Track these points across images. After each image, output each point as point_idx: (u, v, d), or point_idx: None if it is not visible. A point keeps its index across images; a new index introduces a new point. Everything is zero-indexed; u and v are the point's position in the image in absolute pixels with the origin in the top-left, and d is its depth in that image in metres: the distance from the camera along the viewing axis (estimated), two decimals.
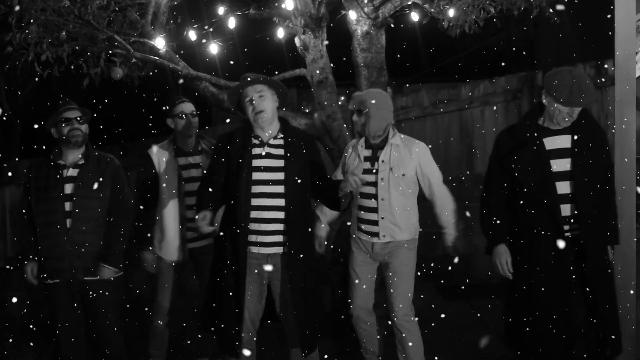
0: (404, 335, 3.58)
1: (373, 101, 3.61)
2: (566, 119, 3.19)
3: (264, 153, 3.27)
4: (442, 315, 4.44)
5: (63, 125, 3.63)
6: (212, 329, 3.33)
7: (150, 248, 3.91)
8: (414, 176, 3.63)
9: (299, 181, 3.23)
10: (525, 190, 3.23)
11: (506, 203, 3.34)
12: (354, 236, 3.71)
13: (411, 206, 3.66)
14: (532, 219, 3.23)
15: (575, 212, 3.17)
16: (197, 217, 3.13)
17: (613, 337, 3.22)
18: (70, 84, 8.26)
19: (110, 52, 4.86)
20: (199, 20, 5.45)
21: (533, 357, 3.30)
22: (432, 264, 5.65)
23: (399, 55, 10.23)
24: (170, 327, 4.00)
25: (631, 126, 3.55)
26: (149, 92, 8.04)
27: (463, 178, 6.86)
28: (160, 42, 4.82)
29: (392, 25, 4.88)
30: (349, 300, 3.74)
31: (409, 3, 4.86)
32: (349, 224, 3.82)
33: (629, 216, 3.54)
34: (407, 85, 9.52)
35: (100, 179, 3.65)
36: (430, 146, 3.79)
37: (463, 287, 5.73)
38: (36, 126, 4.15)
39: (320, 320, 3.32)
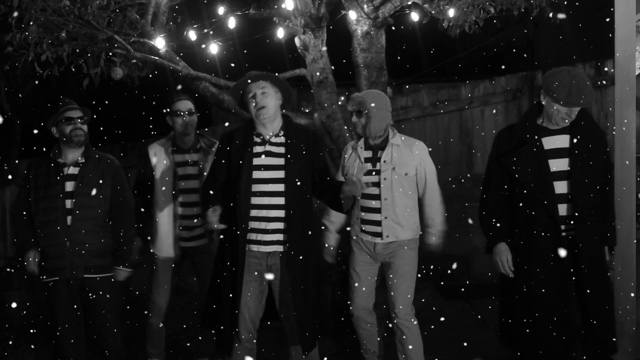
0: (404, 335, 3.58)
1: (373, 102, 3.61)
2: (565, 119, 3.19)
3: (264, 151, 3.26)
4: (442, 316, 4.44)
5: (65, 124, 3.64)
6: (212, 328, 3.33)
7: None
8: (415, 175, 3.64)
9: (300, 180, 3.22)
10: (523, 189, 3.24)
11: (505, 202, 3.35)
12: (355, 237, 3.71)
13: (413, 206, 3.67)
14: (530, 218, 3.23)
15: (573, 212, 3.17)
16: (208, 211, 3.12)
17: (607, 336, 3.21)
18: (70, 84, 8.25)
19: (110, 52, 4.86)
20: (199, 20, 5.45)
21: (530, 357, 3.30)
22: (432, 264, 5.64)
23: (399, 56, 10.24)
24: (170, 327, 4.00)
25: (631, 126, 3.54)
26: (149, 92, 8.04)
27: (463, 180, 6.85)
28: (160, 42, 4.82)
29: (393, 28, 4.88)
30: (349, 301, 3.74)
31: (409, 3, 4.85)
32: (348, 229, 3.81)
33: (629, 217, 3.53)
34: (407, 87, 9.50)
35: (101, 179, 3.66)
36: (430, 149, 3.79)
37: (463, 287, 5.73)
38: (36, 131, 4.15)
39: (321, 319, 3.31)
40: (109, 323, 3.66)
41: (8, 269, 5.87)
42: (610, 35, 3.59)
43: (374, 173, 3.61)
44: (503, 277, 3.37)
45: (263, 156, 3.25)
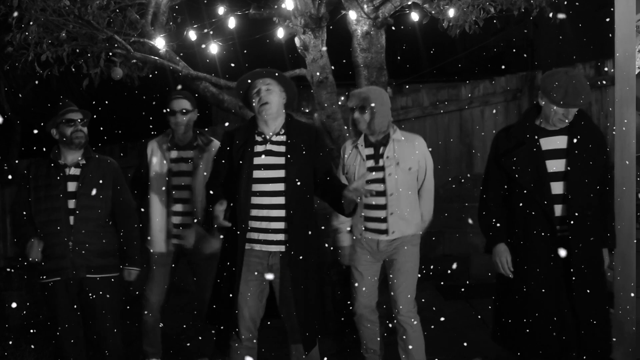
0: (407, 332, 3.58)
1: (376, 98, 3.62)
2: (562, 120, 3.20)
3: (265, 150, 3.26)
4: (442, 316, 4.44)
5: (66, 126, 3.64)
6: (215, 326, 3.33)
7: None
8: (417, 170, 3.65)
9: (300, 179, 3.20)
10: (520, 190, 3.25)
11: (504, 203, 3.36)
12: (359, 236, 3.70)
13: (415, 200, 3.68)
14: (527, 218, 3.24)
15: (568, 212, 3.17)
16: (215, 206, 3.12)
17: (600, 338, 3.20)
18: (70, 84, 8.26)
19: (110, 52, 4.86)
20: (199, 20, 5.45)
21: (525, 357, 3.31)
22: (432, 264, 5.65)
23: (399, 56, 10.24)
24: (170, 327, 4.00)
25: (631, 126, 3.54)
26: (149, 92, 8.04)
27: (463, 180, 6.85)
28: (160, 42, 4.82)
29: (393, 28, 4.88)
30: (353, 299, 3.72)
31: (409, 3, 4.86)
32: (348, 229, 3.80)
33: (629, 217, 3.53)
34: (407, 87, 9.50)
35: (102, 179, 3.67)
36: (430, 149, 3.79)
37: (463, 287, 5.73)
38: (36, 131, 4.15)
39: (322, 319, 3.30)
40: (108, 323, 3.66)
41: (8, 269, 5.87)
42: (611, 35, 3.59)
43: (379, 168, 3.60)
44: (500, 276, 3.38)
45: (263, 155, 3.24)
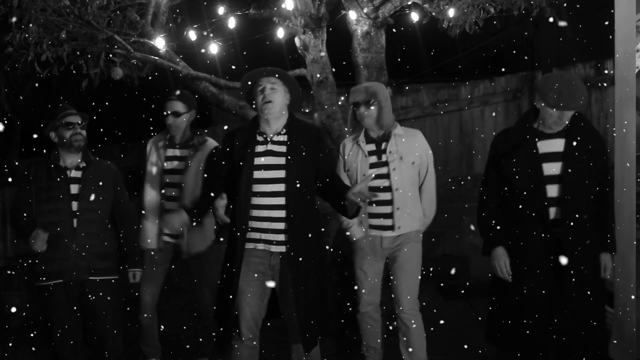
0: (409, 329, 3.57)
1: (383, 93, 3.62)
2: (558, 123, 3.19)
3: (265, 151, 3.25)
4: (442, 316, 4.44)
5: (65, 129, 3.64)
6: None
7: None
8: (419, 165, 3.65)
9: (301, 180, 3.19)
10: (517, 192, 3.25)
11: (503, 204, 3.36)
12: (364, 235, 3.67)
13: (417, 196, 3.68)
14: (523, 220, 3.24)
15: (562, 215, 3.17)
16: (215, 202, 3.11)
17: (591, 341, 3.19)
18: (70, 84, 8.26)
19: (110, 52, 4.87)
20: (199, 20, 5.45)
21: (520, 356, 3.32)
22: (432, 264, 5.64)
23: (399, 56, 10.23)
24: (170, 327, 4.00)
25: (631, 126, 3.54)
26: (149, 92, 8.04)
27: (462, 183, 6.86)
28: (160, 42, 4.82)
29: (394, 31, 4.88)
30: (356, 297, 3.71)
31: (409, 3, 4.86)
32: (348, 234, 3.78)
33: (629, 217, 3.53)
34: (407, 88, 9.50)
35: (102, 182, 3.69)
36: (430, 151, 3.78)
37: (463, 287, 5.73)
38: (36, 136, 4.16)
39: (323, 319, 3.29)
40: (109, 325, 3.66)
41: (9, 272, 5.87)
42: (611, 37, 3.59)
43: (382, 164, 3.59)
44: (495, 277, 3.38)
45: (264, 156, 3.24)
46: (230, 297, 3.20)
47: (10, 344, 4.65)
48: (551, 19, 4.86)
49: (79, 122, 3.69)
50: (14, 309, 5.32)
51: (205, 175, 3.66)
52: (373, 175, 3.52)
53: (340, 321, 4.45)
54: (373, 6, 4.77)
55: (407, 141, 3.63)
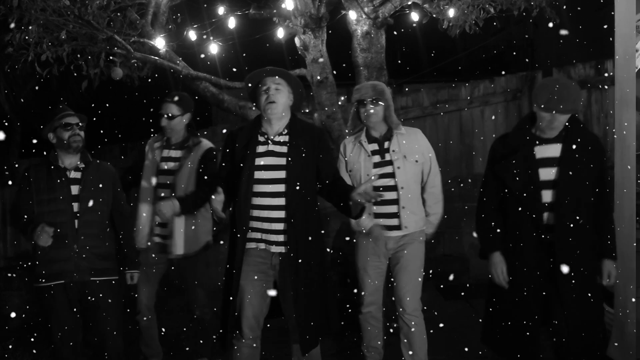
0: (411, 331, 3.56)
1: (388, 91, 3.62)
2: (549, 127, 3.18)
3: (266, 151, 3.24)
4: (442, 316, 4.44)
5: (63, 130, 3.64)
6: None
7: None
8: (422, 163, 3.64)
9: (301, 181, 3.18)
10: (513, 196, 3.25)
11: (501, 208, 3.36)
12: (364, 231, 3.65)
13: (420, 195, 3.68)
14: (518, 225, 3.24)
15: (555, 220, 3.17)
16: (211, 197, 3.10)
17: (583, 344, 3.18)
18: (70, 85, 8.27)
19: (110, 52, 4.87)
20: (199, 21, 5.45)
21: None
22: (432, 264, 5.64)
23: (399, 56, 10.24)
24: (170, 327, 4.00)
25: (631, 126, 3.54)
26: (149, 93, 8.05)
27: (462, 185, 6.86)
28: (160, 42, 4.82)
29: (395, 33, 4.88)
30: (359, 297, 3.69)
31: (409, 3, 4.86)
32: (347, 238, 3.76)
33: (629, 217, 3.53)
34: (407, 89, 9.51)
35: (101, 183, 3.69)
36: (432, 149, 3.77)
37: (463, 288, 5.73)
38: (35, 140, 4.16)
39: (324, 320, 3.27)
40: (109, 326, 3.66)
41: (9, 274, 5.87)
42: (611, 39, 3.58)
43: (386, 163, 3.58)
44: (492, 281, 3.39)
45: (265, 156, 3.23)
46: (231, 298, 3.20)
47: (10, 345, 4.65)
48: (550, 25, 4.86)
49: (78, 122, 3.69)
50: (13, 314, 5.31)
51: (199, 175, 3.66)
52: (378, 175, 3.51)
53: (341, 321, 4.45)
54: (373, 6, 4.77)
55: (409, 140, 3.63)
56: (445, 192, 3.83)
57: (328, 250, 3.96)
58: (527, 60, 11.48)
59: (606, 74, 7.22)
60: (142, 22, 4.96)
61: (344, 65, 5.39)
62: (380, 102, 3.60)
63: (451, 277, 4.71)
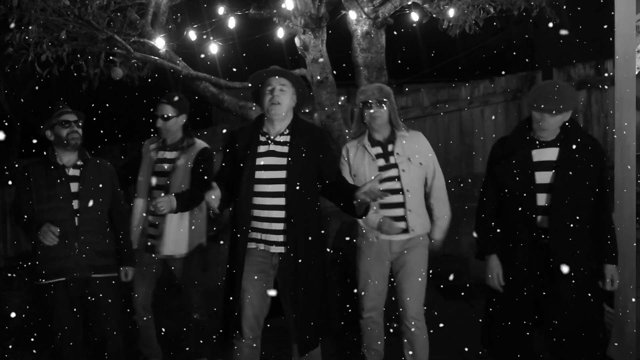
0: (414, 336, 3.54)
1: (392, 94, 3.61)
2: (540, 128, 3.17)
3: (267, 151, 3.24)
4: (442, 316, 4.44)
5: (61, 127, 3.64)
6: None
7: None
8: (426, 166, 3.63)
9: (302, 181, 3.18)
10: (509, 198, 3.26)
11: (500, 211, 3.37)
12: (374, 240, 3.60)
13: (423, 198, 3.66)
14: (514, 227, 3.25)
15: (549, 224, 3.17)
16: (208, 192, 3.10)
17: (576, 349, 3.18)
18: (70, 85, 8.27)
19: (110, 52, 4.87)
20: (199, 21, 5.45)
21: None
22: (432, 264, 5.63)
23: (399, 56, 10.24)
24: (170, 327, 4.00)
25: (631, 126, 3.54)
26: (149, 93, 8.05)
27: (462, 185, 6.85)
28: (160, 42, 4.82)
29: (395, 33, 4.88)
30: (360, 302, 3.66)
31: (409, 3, 4.86)
32: (347, 238, 3.74)
33: (629, 217, 3.53)
34: (407, 89, 9.52)
35: (100, 180, 3.69)
36: (433, 152, 3.76)
37: (463, 288, 5.73)
38: (35, 141, 4.17)
39: (324, 320, 3.27)
40: (109, 326, 3.66)
41: (9, 275, 5.86)
42: (611, 39, 3.58)
43: (391, 166, 3.56)
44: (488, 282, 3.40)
45: (266, 156, 3.23)
46: (231, 298, 3.20)
47: (10, 346, 4.65)
48: (550, 25, 4.86)
49: (76, 120, 3.69)
50: (13, 314, 5.31)
51: (194, 175, 3.66)
52: (383, 175, 3.47)
53: (341, 322, 4.44)
54: (373, 6, 4.77)
55: (412, 143, 3.61)
56: None
57: (328, 250, 3.95)
58: (527, 60, 11.48)
59: (606, 74, 7.22)
60: (142, 22, 4.96)
61: (344, 65, 5.39)
62: (385, 105, 3.58)
63: (451, 277, 4.72)
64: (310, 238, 3.19)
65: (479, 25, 4.82)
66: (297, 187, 3.17)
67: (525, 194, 3.21)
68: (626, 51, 3.56)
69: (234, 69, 5.74)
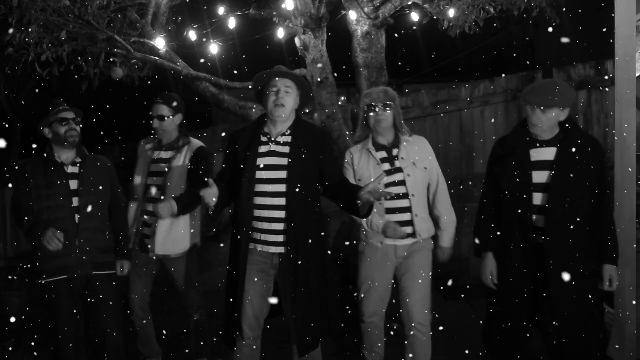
0: (419, 342, 3.52)
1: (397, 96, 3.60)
2: (533, 124, 3.17)
3: (268, 151, 3.24)
4: (442, 316, 4.44)
5: (59, 125, 3.65)
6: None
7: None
8: (430, 170, 3.61)
9: (302, 181, 3.18)
10: (507, 197, 3.26)
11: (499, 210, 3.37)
12: (378, 245, 3.57)
13: (427, 202, 3.65)
14: (510, 226, 3.25)
15: (546, 223, 3.17)
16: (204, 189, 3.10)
17: (573, 349, 3.18)
18: (70, 85, 8.27)
19: (110, 52, 4.87)
20: (199, 20, 5.45)
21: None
22: (432, 265, 5.63)
23: (399, 56, 10.24)
24: (170, 327, 4.00)
25: (631, 127, 3.54)
26: (149, 93, 8.05)
27: (462, 186, 6.86)
28: (160, 42, 4.82)
29: (396, 34, 4.87)
30: (362, 306, 3.63)
31: (409, 3, 4.86)
32: (347, 242, 3.72)
33: (629, 217, 3.53)
34: (407, 89, 9.51)
35: (99, 177, 3.70)
36: (434, 155, 3.76)
37: (463, 288, 5.72)
38: (35, 144, 4.17)
39: (324, 321, 3.27)
40: (110, 326, 3.66)
41: (10, 277, 5.86)
42: (611, 40, 3.58)
43: (395, 170, 3.54)
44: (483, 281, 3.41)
45: (267, 156, 3.23)
46: (232, 299, 3.20)
47: (10, 347, 4.64)
48: (550, 29, 4.86)
49: (74, 117, 3.69)
50: (13, 317, 5.30)
51: (191, 174, 3.67)
52: (385, 173, 3.41)
53: (341, 323, 4.44)
54: (373, 6, 4.77)
55: (415, 146, 3.59)
56: None
57: (329, 252, 3.94)
58: (527, 60, 11.49)
59: (606, 76, 7.23)
60: (142, 22, 4.96)
61: (344, 65, 5.39)
62: (390, 108, 3.55)
63: (449, 283, 4.71)
64: (310, 238, 3.18)
65: (479, 26, 4.82)
66: (298, 188, 3.16)
67: (521, 193, 3.21)
68: (626, 52, 3.56)
69: (234, 69, 5.74)
